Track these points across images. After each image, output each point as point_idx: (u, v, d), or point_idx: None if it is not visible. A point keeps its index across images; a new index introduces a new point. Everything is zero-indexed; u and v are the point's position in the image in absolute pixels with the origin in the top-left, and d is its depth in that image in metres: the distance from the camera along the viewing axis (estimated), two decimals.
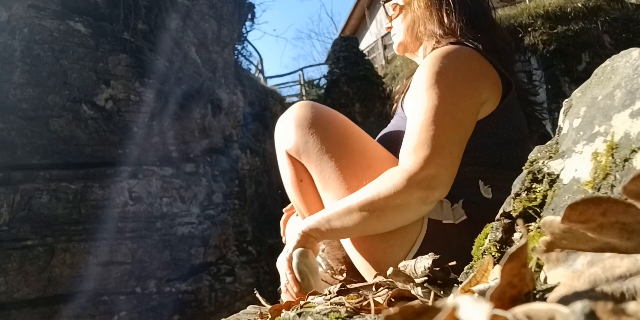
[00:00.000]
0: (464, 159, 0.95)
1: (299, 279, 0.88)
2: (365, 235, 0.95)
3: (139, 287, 4.54)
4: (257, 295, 0.91)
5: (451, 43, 0.99)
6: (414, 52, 1.16)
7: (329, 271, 1.05)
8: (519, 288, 0.28)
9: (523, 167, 0.51)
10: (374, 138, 1.11)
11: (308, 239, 0.93)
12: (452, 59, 0.92)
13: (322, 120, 1.02)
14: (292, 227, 1.10)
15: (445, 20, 1.05)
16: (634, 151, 0.37)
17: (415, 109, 0.90)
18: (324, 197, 1.00)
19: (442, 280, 0.53)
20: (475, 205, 0.93)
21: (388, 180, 0.85)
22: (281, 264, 0.95)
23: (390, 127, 1.11)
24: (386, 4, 1.20)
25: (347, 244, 1.00)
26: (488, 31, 1.05)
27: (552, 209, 0.44)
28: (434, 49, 1.03)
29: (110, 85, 4.67)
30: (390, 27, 1.19)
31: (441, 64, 0.91)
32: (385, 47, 11.21)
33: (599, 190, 0.40)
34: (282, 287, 0.94)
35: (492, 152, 0.97)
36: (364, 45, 12.62)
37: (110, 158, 4.58)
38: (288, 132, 1.03)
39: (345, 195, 0.93)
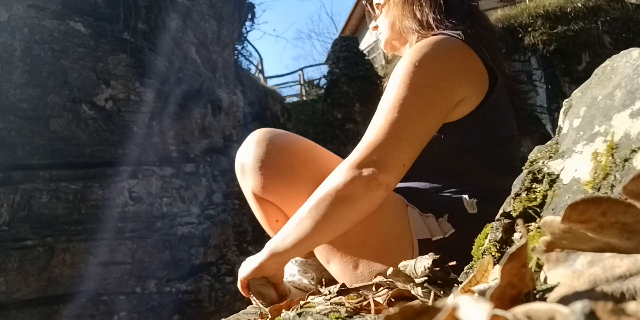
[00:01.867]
0: (448, 170, 0.92)
1: (261, 300, 0.89)
2: (356, 259, 0.89)
3: (139, 287, 4.53)
4: (253, 299, 0.91)
5: (434, 35, 0.95)
6: (400, 50, 1.14)
7: (309, 281, 1.03)
8: (519, 288, 0.28)
9: (523, 167, 0.51)
10: None
11: (263, 269, 0.88)
12: (434, 49, 0.88)
13: (285, 155, 0.95)
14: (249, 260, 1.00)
15: (419, 14, 1.02)
16: (634, 151, 0.37)
17: (382, 100, 0.87)
18: None
19: (442, 280, 0.53)
20: (462, 219, 0.90)
21: (333, 175, 0.83)
22: (240, 287, 0.92)
23: None
24: (368, 4, 1.18)
25: (335, 267, 0.94)
26: (466, 18, 1.00)
27: (552, 209, 0.44)
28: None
29: (110, 85, 4.67)
30: (376, 27, 1.17)
31: (420, 54, 0.87)
32: None
33: (599, 190, 0.40)
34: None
35: (481, 154, 0.93)
36: (364, 45, 12.62)
37: (110, 158, 4.58)
38: (252, 174, 0.96)
39: None
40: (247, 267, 0.90)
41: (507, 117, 0.97)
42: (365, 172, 0.79)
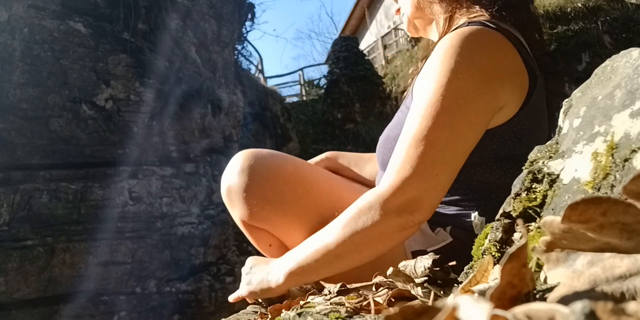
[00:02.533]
0: (467, 181, 0.85)
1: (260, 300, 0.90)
2: (353, 277, 0.84)
3: (139, 287, 4.53)
4: (255, 299, 0.91)
5: (470, 23, 0.83)
6: (425, 30, 1.03)
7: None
8: (519, 288, 0.28)
9: (523, 167, 0.51)
10: (379, 136, 1.06)
11: (278, 291, 0.85)
12: (473, 50, 0.76)
13: (271, 181, 0.89)
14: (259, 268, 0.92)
15: None
16: (634, 151, 0.37)
17: (413, 115, 0.77)
18: None
19: (442, 280, 0.53)
20: (465, 231, 0.86)
21: (364, 211, 0.76)
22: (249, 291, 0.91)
23: (390, 126, 0.96)
24: None
25: (328, 278, 0.93)
26: None
27: (552, 209, 0.44)
28: (446, 26, 0.91)
29: (110, 85, 4.67)
30: (398, 10, 1.07)
31: (459, 57, 0.75)
32: (385, 47, 11.21)
33: (599, 190, 0.40)
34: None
35: (507, 167, 0.85)
36: (364, 45, 12.64)
37: (110, 158, 4.58)
38: (239, 203, 0.92)
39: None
40: (259, 284, 0.87)
41: (542, 125, 0.88)
42: (401, 213, 0.73)
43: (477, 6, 0.88)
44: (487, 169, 0.85)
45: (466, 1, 0.89)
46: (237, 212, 0.95)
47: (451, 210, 0.89)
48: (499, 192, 0.83)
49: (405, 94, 1.05)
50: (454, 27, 0.88)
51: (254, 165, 0.90)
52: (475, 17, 0.88)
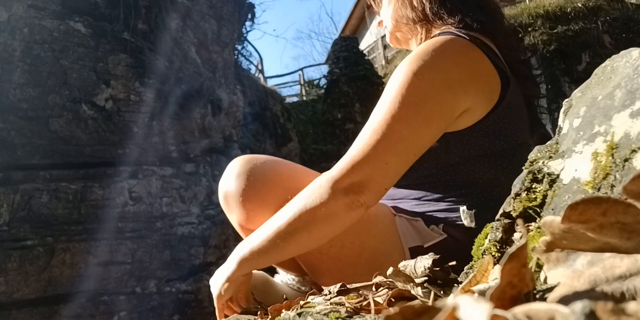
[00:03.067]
0: (451, 180, 0.89)
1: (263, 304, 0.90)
2: (350, 278, 0.88)
3: (139, 287, 4.53)
4: (254, 298, 0.91)
5: (442, 33, 0.88)
6: (407, 42, 1.08)
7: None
8: (519, 288, 0.28)
9: (523, 167, 0.51)
10: None
11: (237, 281, 0.87)
12: (436, 55, 0.80)
13: (267, 186, 0.92)
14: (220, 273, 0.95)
15: (415, 2, 0.96)
16: (634, 151, 0.37)
17: (375, 109, 0.82)
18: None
19: (442, 280, 0.53)
20: (456, 227, 0.88)
21: (314, 190, 0.80)
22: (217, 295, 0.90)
23: None
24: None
25: (327, 278, 0.94)
26: (470, 9, 0.92)
27: (552, 209, 0.44)
28: (423, 38, 0.96)
29: (110, 85, 4.67)
30: (381, 22, 1.12)
31: (422, 61, 0.80)
32: (385, 47, 11.21)
33: (599, 190, 0.40)
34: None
35: (488, 163, 0.88)
36: (364, 45, 12.63)
37: (110, 158, 4.58)
38: (236, 208, 0.95)
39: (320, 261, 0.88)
40: (219, 281, 0.88)
41: (519, 123, 0.91)
42: (348, 192, 0.78)
43: (451, 20, 0.93)
44: (471, 166, 0.89)
45: (438, 19, 0.94)
46: (234, 216, 0.97)
47: (440, 206, 0.91)
48: (484, 186, 0.88)
49: None
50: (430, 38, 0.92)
51: (250, 170, 0.93)
52: (448, 28, 0.93)
